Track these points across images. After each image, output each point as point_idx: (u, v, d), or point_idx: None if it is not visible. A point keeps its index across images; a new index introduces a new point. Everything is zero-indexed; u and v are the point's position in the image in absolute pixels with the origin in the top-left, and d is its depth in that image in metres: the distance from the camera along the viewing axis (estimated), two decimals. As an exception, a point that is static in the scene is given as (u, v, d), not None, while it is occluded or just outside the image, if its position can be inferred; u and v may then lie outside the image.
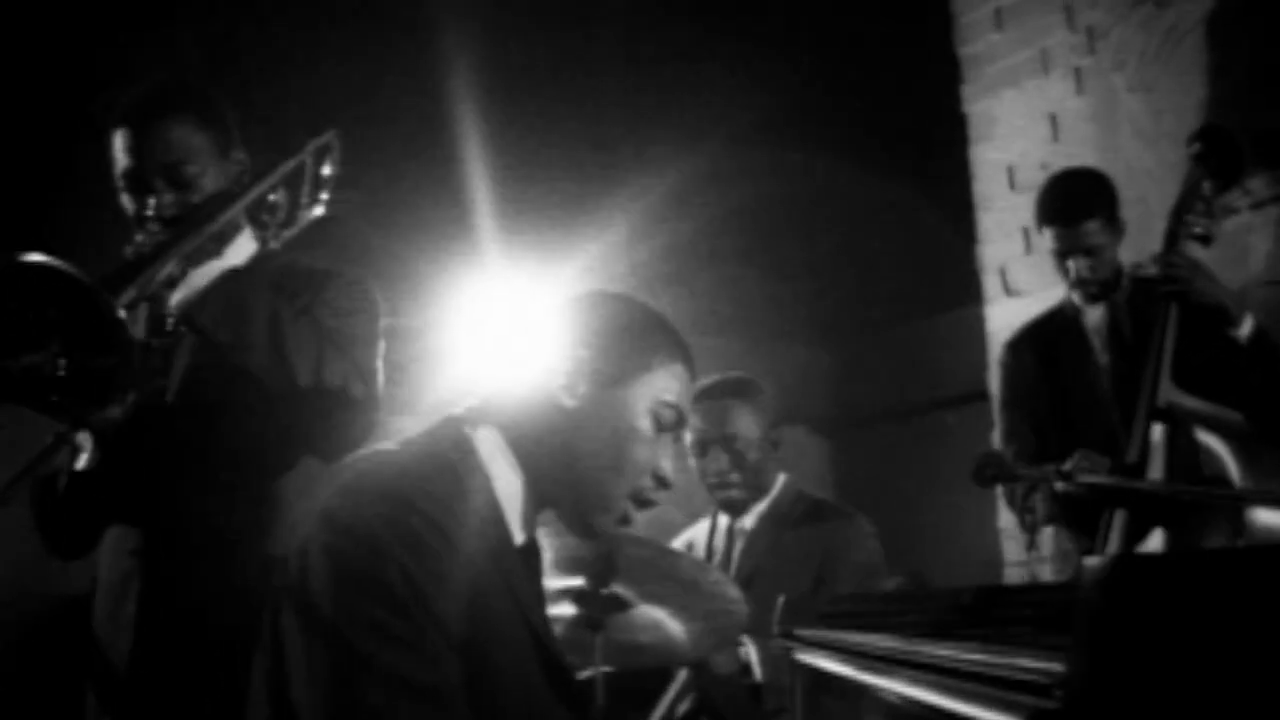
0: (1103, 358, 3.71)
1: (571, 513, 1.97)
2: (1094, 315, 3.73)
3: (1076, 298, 3.72)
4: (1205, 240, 3.52)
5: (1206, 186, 3.54)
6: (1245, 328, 3.41)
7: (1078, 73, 4.71)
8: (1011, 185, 4.92)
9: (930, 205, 5.40)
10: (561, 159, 5.90)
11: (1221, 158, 3.57)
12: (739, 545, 3.57)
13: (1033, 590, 2.67)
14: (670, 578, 2.68)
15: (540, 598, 1.94)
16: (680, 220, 5.90)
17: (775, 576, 3.10)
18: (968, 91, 5.07)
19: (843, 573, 3.45)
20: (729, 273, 6.10)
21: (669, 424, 1.94)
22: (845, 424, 6.32)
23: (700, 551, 3.62)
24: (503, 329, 5.91)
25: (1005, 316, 4.84)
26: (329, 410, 2.31)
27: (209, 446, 2.42)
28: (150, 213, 2.30)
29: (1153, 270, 3.67)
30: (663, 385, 1.94)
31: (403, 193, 5.48)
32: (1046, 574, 4.22)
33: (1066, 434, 3.68)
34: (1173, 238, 3.52)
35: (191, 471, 2.41)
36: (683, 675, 3.13)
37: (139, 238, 2.26)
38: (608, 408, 1.90)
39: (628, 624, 2.72)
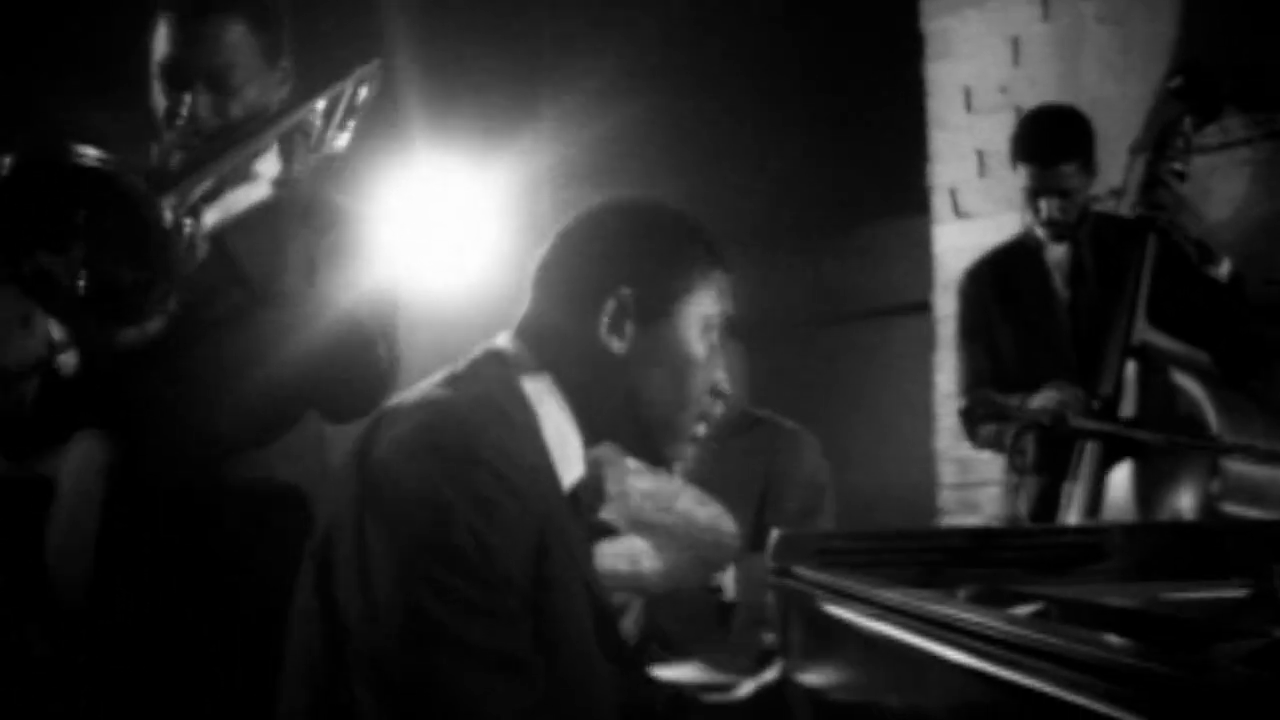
0: (1064, 293, 3.71)
1: (641, 450, 1.91)
2: (1056, 250, 3.72)
3: (1041, 234, 3.71)
4: (1182, 177, 3.52)
5: (1187, 123, 3.54)
6: (1224, 267, 3.44)
7: (1046, -2, 4.67)
8: (968, 106, 4.88)
9: (881, 116, 5.32)
10: (492, 51, 5.77)
11: (1202, 95, 3.57)
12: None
13: (1024, 534, 2.66)
14: (666, 508, 2.64)
15: (587, 544, 1.87)
16: (612, 115, 5.78)
17: (720, 495, 3.06)
18: (927, 8, 4.99)
19: (789, 491, 3.42)
20: (663, 169, 5.98)
21: (722, 337, 1.86)
22: (769, 329, 6.25)
23: None
24: (434, 219, 5.82)
25: (953, 237, 4.83)
26: (351, 368, 2.16)
27: (209, 383, 2.24)
28: (184, 113, 2.14)
29: (1113, 205, 3.67)
30: (709, 300, 1.84)
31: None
32: (996, 505, 4.23)
33: (1024, 367, 3.69)
34: (1153, 172, 3.51)
35: (184, 407, 2.25)
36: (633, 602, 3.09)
37: (167, 136, 2.11)
38: (661, 344, 1.80)
39: (605, 552, 2.68)
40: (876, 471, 5.26)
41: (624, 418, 1.83)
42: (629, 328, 1.79)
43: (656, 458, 1.90)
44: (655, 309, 1.81)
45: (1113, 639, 1.26)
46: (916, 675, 1.61)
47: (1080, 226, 3.67)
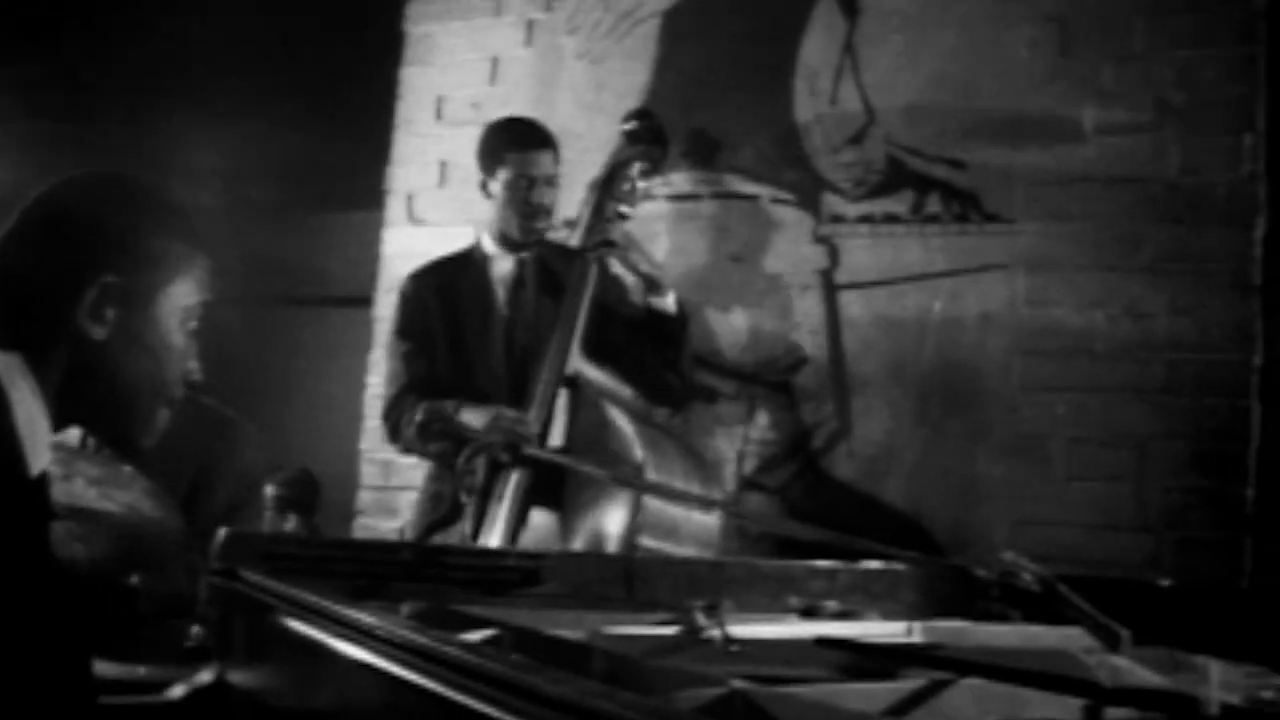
0: (504, 310, 3.76)
1: (113, 436, 1.85)
2: (502, 266, 3.76)
3: (516, 233, 3.72)
4: (624, 218, 3.69)
5: (635, 167, 3.71)
6: (670, 298, 3.62)
7: (530, 24, 4.79)
8: (438, 116, 4.93)
9: (353, 110, 5.28)
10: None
11: (651, 141, 3.76)
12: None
13: (468, 554, 2.70)
14: (111, 496, 2.49)
15: (48, 537, 1.73)
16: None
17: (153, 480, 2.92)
18: (412, 11, 5.03)
19: (221, 483, 3.33)
20: (104, 134, 5.71)
21: (198, 325, 1.80)
22: (209, 306, 6.03)
23: None
24: None
25: (405, 242, 4.86)
26: None
27: None
28: None
29: (567, 234, 3.79)
30: (189, 289, 1.78)
31: None
32: (411, 510, 4.26)
33: (455, 377, 3.72)
34: (599, 209, 3.66)
35: None
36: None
37: None
38: (141, 331, 1.73)
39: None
40: (305, 463, 5.22)
41: (100, 403, 1.75)
42: (110, 313, 1.71)
43: (128, 445, 1.82)
44: (137, 296, 1.74)
45: (589, 682, 1.30)
46: (358, 688, 1.62)
47: (528, 247, 3.75)
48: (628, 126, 3.82)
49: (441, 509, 3.72)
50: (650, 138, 3.77)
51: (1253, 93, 3.86)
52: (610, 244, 3.58)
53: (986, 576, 2.27)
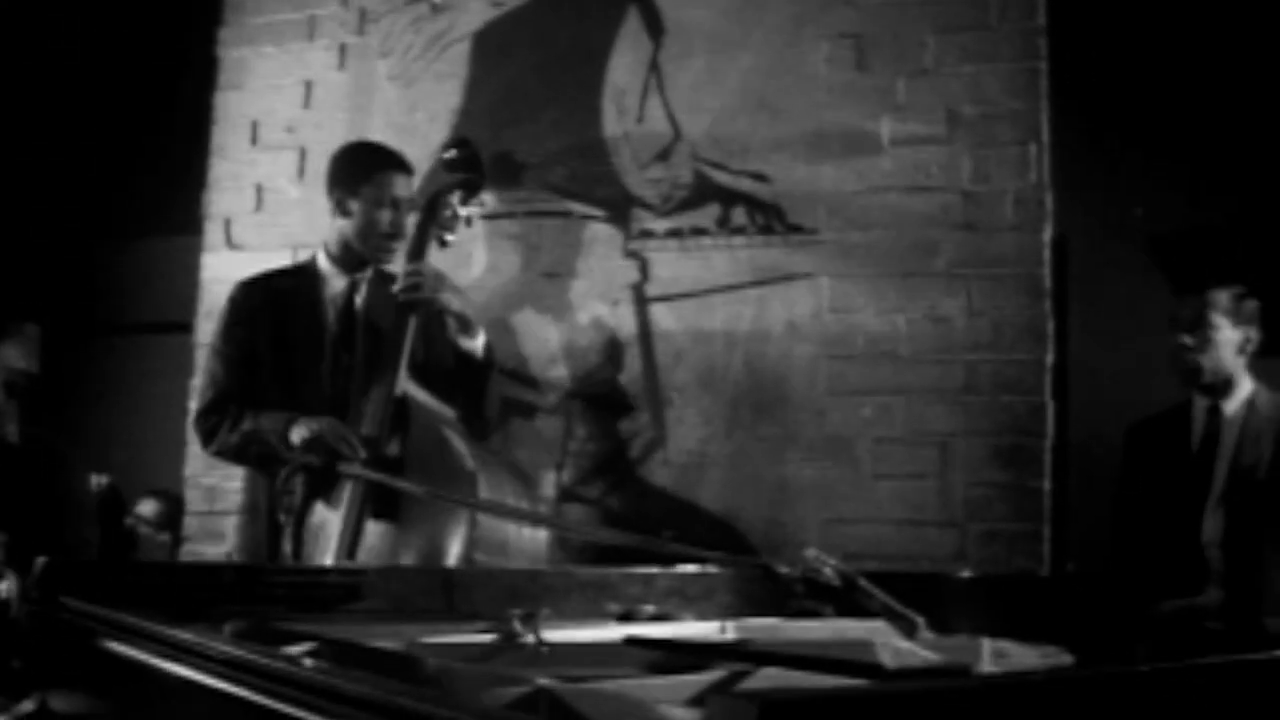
0: (333, 327, 3.76)
1: None
2: (336, 285, 3.77)
3: (371, 252, 3.74)
4: (444, 244, 3.75)
5: (456, 195, 3.77)
6: (479, 339, 3.68)
7: (343, 48, 4.83)
8: (253, 140, 4.93)
9: (166, 135, 5.25)
10: None
11: (470, 169, 3.83)
12: None
13: (291, 573, 2.73)
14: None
15: None
16: None
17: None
18: (225, 35, 5.02)
19: (51, 505, 3.33)
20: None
21: (21, 390, 1.85)
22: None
23: None
24: None
25: (223, 267, 4.83)
26: None
27: None
28: None
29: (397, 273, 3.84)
30: (16, 355, 1.83)
31: None
32: (233, 525, 4.27)
33: (279, 389, 3.71)
34: (421, 237, 3.70)
35: None
36: None
37: None
38: None
39: None
40: (128, 491, 5.17)
41: None
42: None
43: None
44: None
45: (394, 683, 1.36)
46: (180, 704, 1.65)
47: (367, 267, 3.78)
48: (447, 155, 3.88)
49: (259, 523, 3.71)
50: (468, 166, 3.84)
51: (1036, 105, 4.07)
52: (417, 289, 3.60)
53: (790, 574, 2.36)
